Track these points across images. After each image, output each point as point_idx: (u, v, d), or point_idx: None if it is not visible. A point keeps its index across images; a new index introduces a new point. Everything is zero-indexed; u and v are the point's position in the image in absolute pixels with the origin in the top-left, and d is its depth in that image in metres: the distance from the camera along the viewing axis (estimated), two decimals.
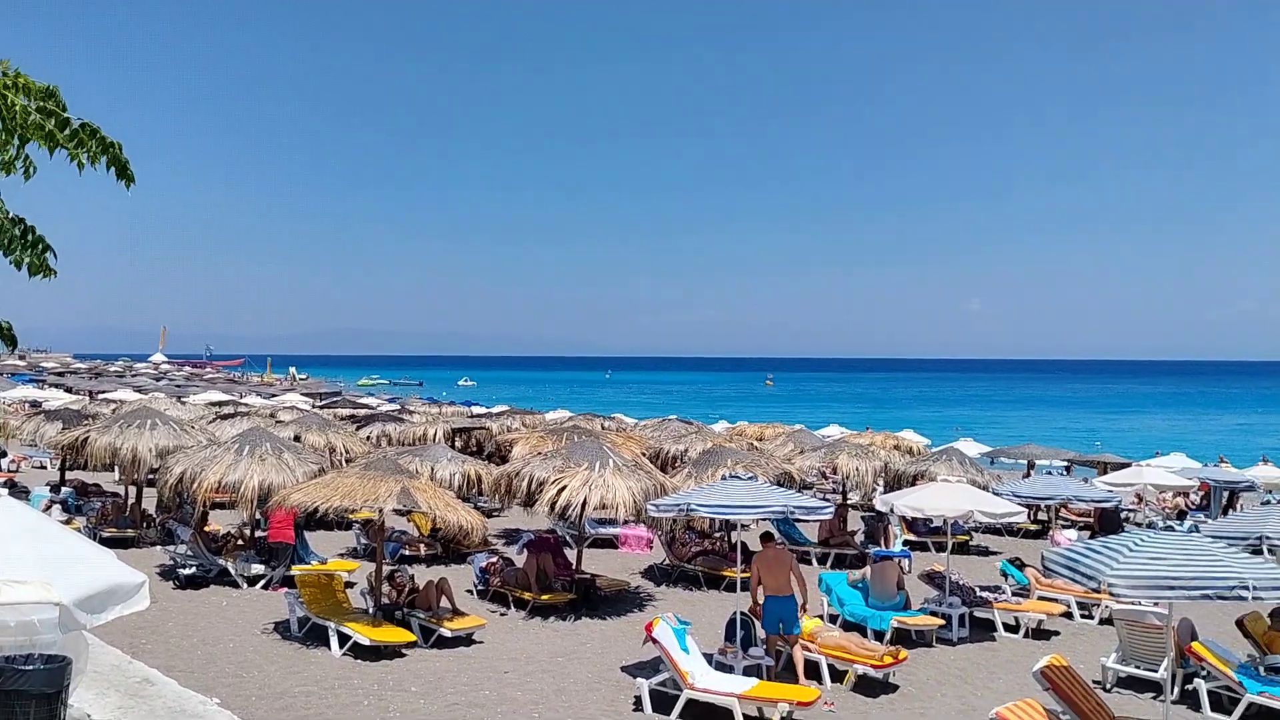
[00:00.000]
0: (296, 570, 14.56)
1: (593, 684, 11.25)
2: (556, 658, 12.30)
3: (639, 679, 10.63)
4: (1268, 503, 24.41)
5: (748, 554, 13.40)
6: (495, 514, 23.08)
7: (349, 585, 14.61)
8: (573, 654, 12.50)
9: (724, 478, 13.20)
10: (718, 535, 18.52)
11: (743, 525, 13.00)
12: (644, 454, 20.91)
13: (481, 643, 12.79)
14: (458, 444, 28.42)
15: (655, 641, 10.51)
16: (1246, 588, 7.94)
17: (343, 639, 12.15)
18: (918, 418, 67.99)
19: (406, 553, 17.97)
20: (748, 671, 11.17)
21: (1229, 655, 11.54)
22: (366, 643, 11.93)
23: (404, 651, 12.18)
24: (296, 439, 21.47)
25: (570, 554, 16.20)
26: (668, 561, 17.69)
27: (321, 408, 38.76)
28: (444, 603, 13.14)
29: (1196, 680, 11.21)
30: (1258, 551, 11.17)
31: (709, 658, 11.25)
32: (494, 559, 15.76)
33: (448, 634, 12.53)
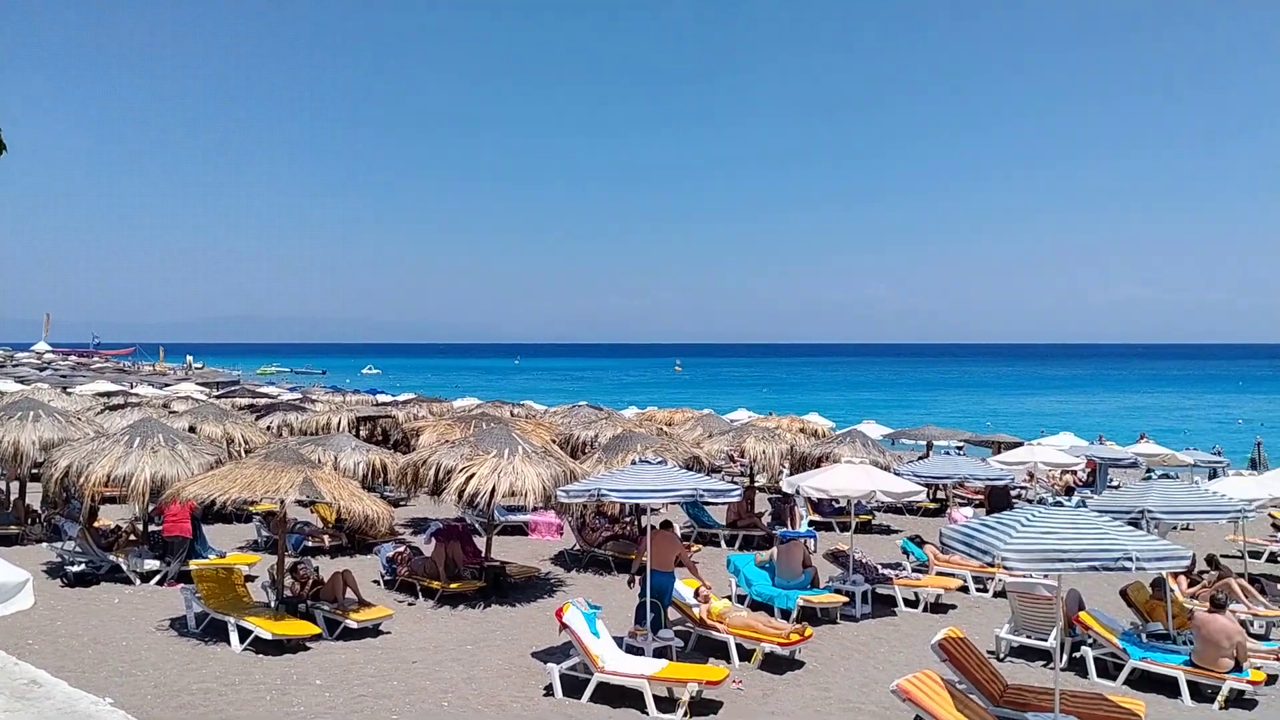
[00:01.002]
0: (194, 565, 14.10)
1: (503, 671, 11.19)
2: (466, 645, 12.21)
3: (550, 664, 10.62)
4: (1148, 478, 25.63)
5: None
6: (402, 503, 22.73)
7: (249, 579, 14.24)
8: (482, 641, 12.42)
9: (634, 462, 13.25)
10: (628, 520, 18.60)
11: (653, 509, 13.14)
12: (554, 440, 20.88)
13: (389, 633, 12.60)
14: (363, 433, 27.94)
15: (566, 626, 10.52)
16: (1130, 559, 8.35)
17: (243, 634, 11.81)
18: (823, 401, 69.37)
19: (310, 544, 17.57)
20: (658, 653, 11.28)
21: (1114, 623, 12.12)
22: (268, 637, 11.63)
23: (308, 645, 11.92)
24: (191, 430, 20.83)
25: (480, 542, 16.06)
26: (578, 547, 17.70)
27: (218, 397, 37.61)
28: (349, 594, 12.89)
29: (1084, 648, 11.75)
30: (1139, 525, 11.73)
31: (619, 641, 11.31)
32: (401, 548, 15.52)
33: (354, 625, 12.30)
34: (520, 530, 20.35)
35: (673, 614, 12.29)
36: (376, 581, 15.16)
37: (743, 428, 25.04)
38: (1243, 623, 12.48)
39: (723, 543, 19.65)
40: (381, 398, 43.06)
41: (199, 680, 10.56)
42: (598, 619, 10.88)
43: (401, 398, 40.02)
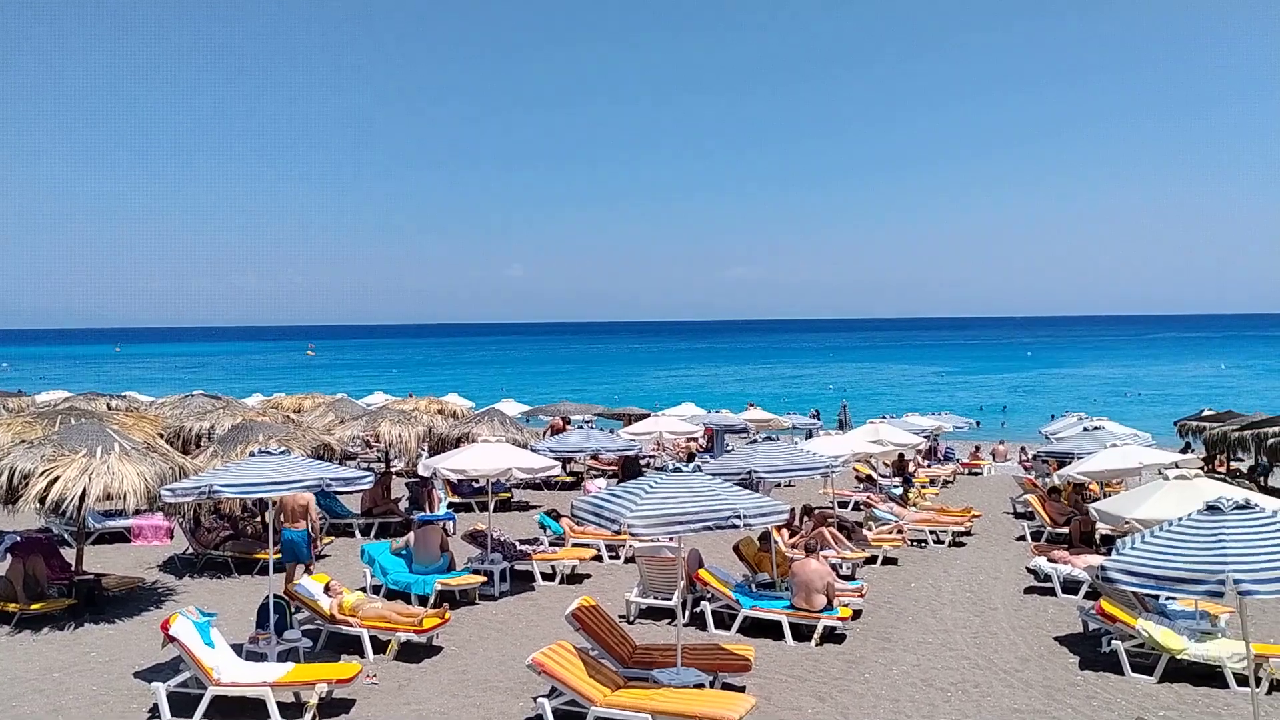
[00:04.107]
0: None
1: (99, 697, 9.87)
2: (52, 674, 10.62)
3: (155, 683, 9.48)
4: (754, 441, 28.24)
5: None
6: None
7: None
8: (73, 667, 10.87)
9: (252, 454, 12.22)
10: (248, 516, 17.24)
11: (274, 504, 12.25)
12: (160, 434, 18.82)
13: None
14: None
15: (174, 639, 9.47)
16: (739, 516, 9.06)
17: None
18: (462, 380, 69.31)
19: None
20: (283, 656, 10.53)
21: (728, 577, 13.14)
22: None
23: None
24: None
25: (69, 554, 14.11)
26: (191, 550, 16.13)
27: None
28: None
29: (703, 603, 12.63)
30: (749, 484, 12.81)
31: (239, 648, 10.42)
32: None
33: None
34: (122, 537, 18.18)
35: (302, 613, 11.55)
36: None
37: (378, 412, 24.24)
38: (833, 566, 14.09)
39: (357, 532, 18.88)
40: None
41: None
42: (212, 627, 9.91)
43: None
